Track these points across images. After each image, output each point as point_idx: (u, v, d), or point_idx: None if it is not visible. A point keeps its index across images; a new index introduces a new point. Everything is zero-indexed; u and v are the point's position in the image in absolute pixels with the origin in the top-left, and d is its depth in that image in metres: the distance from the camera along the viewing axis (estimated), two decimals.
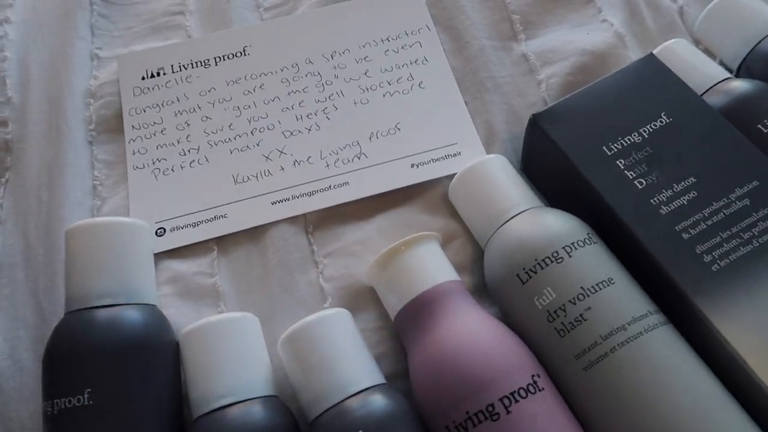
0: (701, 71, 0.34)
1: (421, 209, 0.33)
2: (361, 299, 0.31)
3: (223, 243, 0.33)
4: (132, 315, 0.26)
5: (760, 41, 0.35)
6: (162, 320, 0.27)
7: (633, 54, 0.37)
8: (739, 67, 0.36)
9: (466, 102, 0.36)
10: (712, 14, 0.37)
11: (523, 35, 0.38)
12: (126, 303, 0.26)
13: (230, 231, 0.33)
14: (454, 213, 0.33)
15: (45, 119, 0.36)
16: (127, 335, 0.25)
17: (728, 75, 0.34)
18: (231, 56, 0.38)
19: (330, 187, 0.33)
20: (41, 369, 0.25)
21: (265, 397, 0.25)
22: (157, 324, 0.26)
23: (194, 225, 0.33)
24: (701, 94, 0.33)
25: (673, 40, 0.35)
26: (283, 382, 0.28)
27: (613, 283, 0.26)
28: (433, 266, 0.28)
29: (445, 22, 0.39)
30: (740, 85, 0.32)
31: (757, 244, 0.26)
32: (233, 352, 0.26)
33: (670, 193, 0.27)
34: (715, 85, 0.33)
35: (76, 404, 0.23)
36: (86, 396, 0.23)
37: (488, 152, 0.34)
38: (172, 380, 0.26)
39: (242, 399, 0.25)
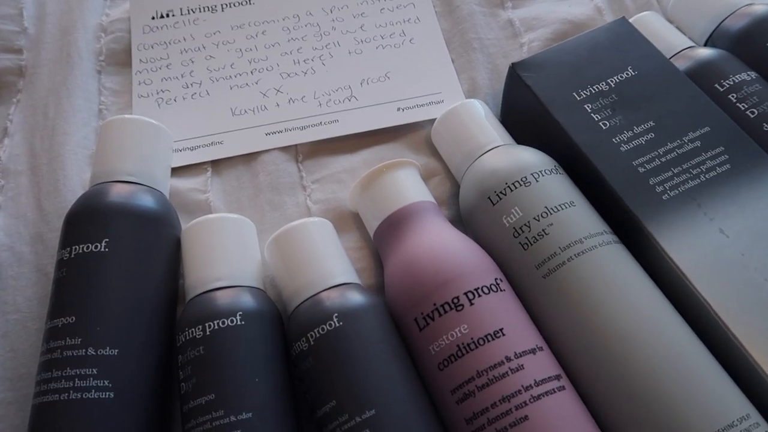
0: (670, 39, 0.37)
1: (405, 148, 0.36)
2: (345, 222, 0.33)
3: (217, 165, 0.35)
4: (148, 192, 0.29)
5: (723, 20, 0.38)
6: (170, 205, 0.30)
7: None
8: (706, 43, 0.39)
9: (453, 59, 0.39)
10: None
11: (510, 3, 0.41)
12: (144, 184, 0.29)
13: (225, 155, 0.35)
14: (435, 153, 0.35)
15: (57, 48, 0.38)
16: (144, 204, 0.28)
17: (693, 44, 0.37)
18: (237, 4, 0.41)
19: (321, 123, 0.36)
20: (61, 230, 0.28)
21: (254, 287, 0.27)
22: (167, 205, 0.30)
23: (192, 149, 0.35)
24: (669, 58, 0.36)
25: (647, 12, 0.39)
26: (270, 289, 0.30)
27: (574, 206, 0.28)
28: (409, 187, 0.30)
29: None
30: (703, 52, 0.35)
31: (704, 178, 0.28)
32: (230, 245, 0.28)
33: (630, 134, 0.30)
34: (681, 51, 0.36)
35: (94, 250, 0.25)
36: (103, 244, 0.26)
37: None
38: (173, 259, 0.29)
39: (234, 285, 0.27)
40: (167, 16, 0.40)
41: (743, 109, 0.32)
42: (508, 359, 0.24)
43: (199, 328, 0.25)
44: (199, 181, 0.34)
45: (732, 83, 0.33)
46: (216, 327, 0.25)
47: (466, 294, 0.25)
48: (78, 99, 0.36)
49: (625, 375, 0.24)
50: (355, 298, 0.26)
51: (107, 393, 0.23)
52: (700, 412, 0.23)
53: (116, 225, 0.27)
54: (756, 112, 0.32)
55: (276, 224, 0.32)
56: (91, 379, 0.23)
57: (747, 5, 0.38)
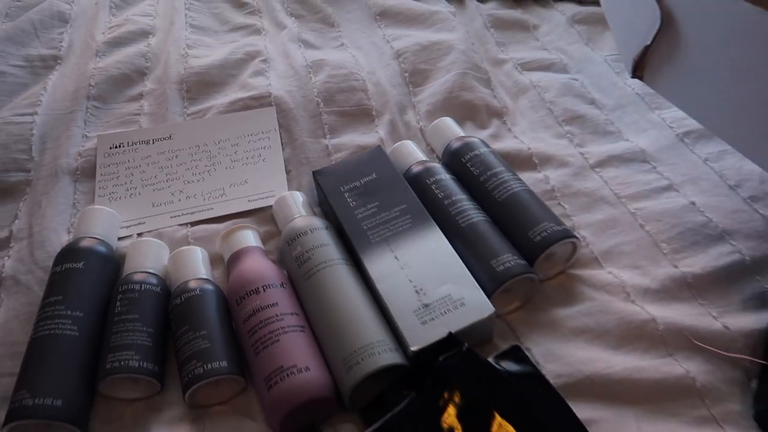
0: (414, 155, 0.63)
1: (255, 221, 0.61)
2: (216, 261, 0.57)
3: (141, 234, 0.60)
4: (105, 245, 0.54)
5: (449, 143, 0.65)
6: (116, 253, 0.55)
7: (387, 149, 0.67)
8: (443, 156, 0.66)
9: (289, 171, 0.65)
10: (431, 131, 0.68)
11: (329, 136, 0.69)
12: (104, 240, 0.54)
13: (144, 230, 0.60)
14: (274, 224, 0.60)
15: (50, 168, 0.64)
16: (104, 249, 0.53)
17: (427, 159, 0.63)
18: (162, 139, 0.67)
19: (203, 210, 0.61)
20: (55, 258, 0.52)
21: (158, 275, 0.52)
22: (114, 253, 0.55)
23: (127, 227, 0.60)
24: (412, 165, 0.62)
25: (407, 140, 0.66)
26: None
27: (328, 245, 0.53)
28: (249, 239, 0.55)
29: (286, 127, 0.69)
30: (428, 163, 0.62)
31: (395, 231, 0.54)
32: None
33: (364, 209, 0.56)
34: (419, 161, 0.63)
35: (75, 267, 0.49)
36: (81, 264, 0.50)
37: None
38: (113, 281, 0.53)
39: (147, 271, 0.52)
40: (119, 147, 0.66)
41: (437, 193, 0.59)
42: (277, 316, 0.48)
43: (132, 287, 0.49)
44: (129, 241, 0.59)
45: (434, 179, 0.60)
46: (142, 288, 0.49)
47: (262, 286, 0.50)
48: (60, 197, 0.61)
49: (329, 323, 0.48)
50: (209, 286, 0.50)
51: (75, 332, 0.46)
52: (360, 335, 0.46)
53: (89, 256, 0.51)
54: (442, 194, 0.58)
55: None
56: (68, 325, 0.46)
57: (463, 136, 0.65)
